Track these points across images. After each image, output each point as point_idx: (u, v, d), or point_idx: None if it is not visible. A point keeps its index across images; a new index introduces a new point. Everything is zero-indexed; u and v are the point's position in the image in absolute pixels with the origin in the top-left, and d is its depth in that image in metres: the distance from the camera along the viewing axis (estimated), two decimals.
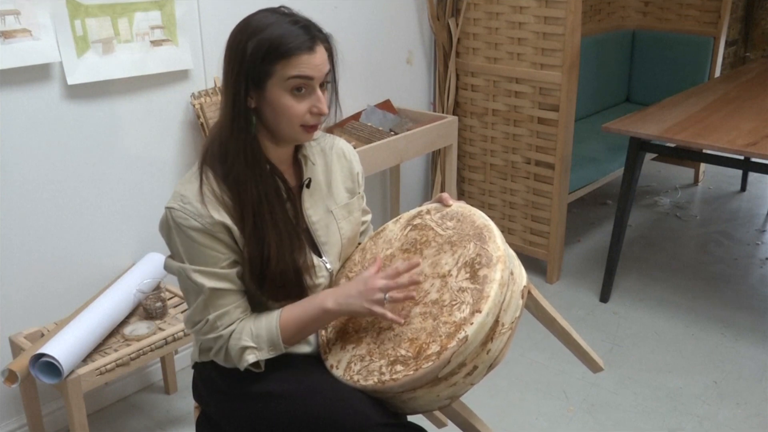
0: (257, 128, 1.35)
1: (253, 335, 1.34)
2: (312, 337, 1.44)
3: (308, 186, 1.44)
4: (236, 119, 1.31)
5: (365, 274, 1.37)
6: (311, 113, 1.33)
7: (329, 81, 1.35)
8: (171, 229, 1.32)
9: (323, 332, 1.43)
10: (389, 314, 1.30)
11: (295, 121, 1.33)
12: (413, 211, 1.50)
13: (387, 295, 1.30)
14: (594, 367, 1.66)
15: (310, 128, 1.35)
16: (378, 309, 1.30)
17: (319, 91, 1.32)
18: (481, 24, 3.02)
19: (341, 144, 1.55)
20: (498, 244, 1.32)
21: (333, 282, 1.49)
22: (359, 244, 1.59)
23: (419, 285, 1.33)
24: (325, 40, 1.33)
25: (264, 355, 1.34)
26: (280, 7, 1.34)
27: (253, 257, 1.33)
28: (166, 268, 1.38)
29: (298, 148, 1.45)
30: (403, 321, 1.30)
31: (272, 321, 1.35)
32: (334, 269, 1.47)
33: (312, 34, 1.29)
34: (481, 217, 1.39)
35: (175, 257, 1.35)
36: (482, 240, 1.33)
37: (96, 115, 2.13)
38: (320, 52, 1.30)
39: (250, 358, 1.33)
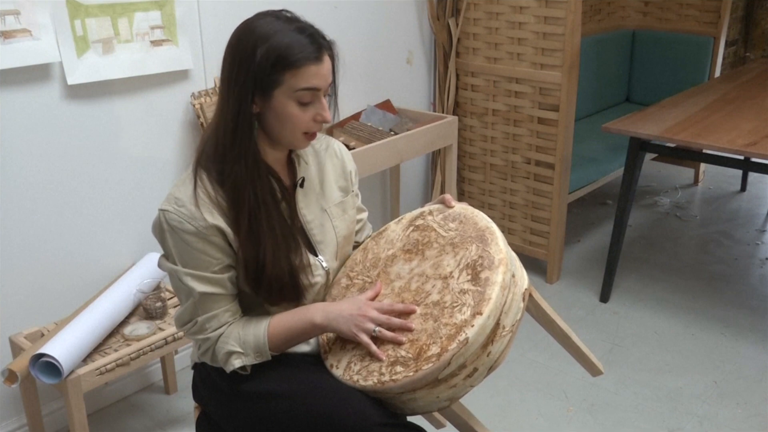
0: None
1: (240, 341, 1.34)
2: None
3: (302, 185, 1.44)
4: (240, 126, 1.31)
5: (360, 298, 1.37)
6: (315, 121, 1.34)
7: (331, 92, 1.36)
8: (164, 231, 1.33)
9: None
10: (373, 346, 1.29)
11: (298, 129, 1.33)
12: (415, 212, 1.50)
13: (376, 328, 1.30)
14: (593, 371, 1.66)
15: (311, 135, 1.36)
16: (364, 338, 1.30)
17: (323, 100, 1.33)
18: (481, 24, 3.02)
19: (332, 143, 1.56)
20: (500, 246, 1.32)
21: (332, 281, 1.49)
22: (357, 242, 1.60)
23: (410, 330, 1.29)
24: (329, 47, 1.33)
25: (250, 360, 1.35)
26: (282, 11, 1.33)
27: (249, 261, 1.33)
28: (160, 266, 1.39)
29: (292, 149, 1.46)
30: (384, 358, 1.29)
31: (260, 329, 1.35)
32: (330, 267, 1.47)
33: (318, 43, 1.29)
34: (483, 219, 1.39)
35: (168, 258, 1.36)
36: (484, 242, 1.33)
37: (96, 115, 2.13)
38: (326, 62, 1.31)
39: (236, 362, 1.34)
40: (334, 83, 1.37)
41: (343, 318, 1.33)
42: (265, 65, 1.27)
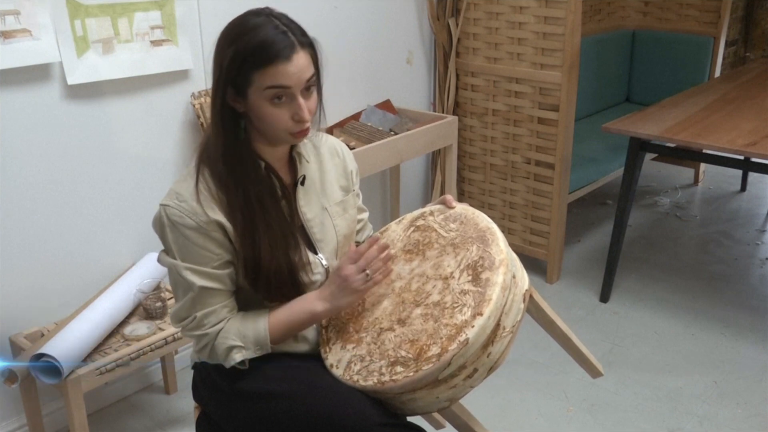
0: (249, 129, 1.36)
1: (241, 335, 1.35)
2: (311, 336, 1.46)
3: (302, 183, 1.44)
4: (224, 125, 1.33)
5: (335, 267, 1.41)
6: (293, 120, 1.32)
7: (313, 85, 1.33)
8: (165, 226, 1.33)
9: (323, 331, 1.44)
10: (377, 278, 1.36)
11: (278, 127, 1.33)
12: (416, 213, 1.50)
13: (368, 272, 1.35)
14: (593, 373, 1.66)
15: (297, 134, 1.35)
16: (364, 287, 1.36)
17: (299, 99, 1.30)
18: (481, 24, 3.02)
19: (333, 142, 1.56)
20: (501, 247, 1.32)
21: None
22: (358, 243, 1.60)
23: (386, 248, 1.38)
24: (307, 44, 1.30)
25: (250, 354, 1.36)
26: (265, 8, 1.33)
27: (247, 258, 1.34)
28: (160, 261, 1.40)
29: (292, 146, 1.46)
30: (392, 267, 1.39)
31: (260, 323, 1.36)
32: (330, 266, 1.47)
33: (290, 41, 1.27)
34: (484, 219, 1.39)
35: (168, 253, 1.36)
36: (485, 243, 1.34)
37: (96, 115, 2.13)
38: (299, 58, 1.28)
39: (237, 357, 1.35)
40: (318, 82, 1.35)
41: (337, 294, 1.36)
42: (233, 65, 1.28)
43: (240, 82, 1.29)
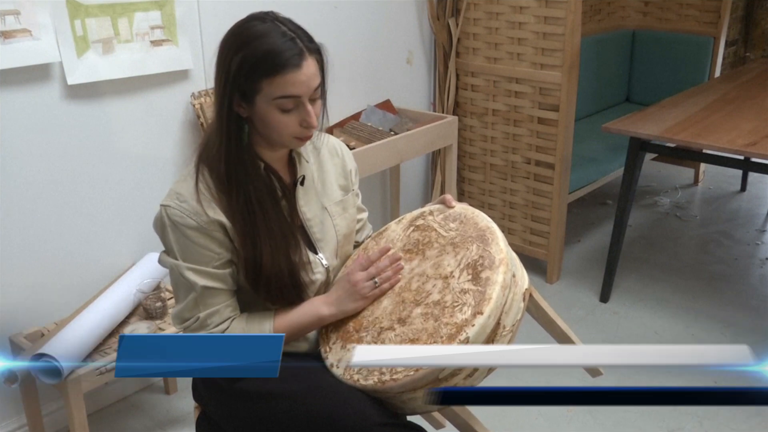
0: (251, 132, 1.36)
1: None
2: (311, 335, 1.46)
3: (302, 183, 1.45)
4: (226, 128, 1.33)
5: (346, 272, 1.43)
6: (301, 126, 1.33)
7: (320, 95, 1.34)
8: (166, 226, 1.33)
9: (323, 331, 1.44)
10: (385, 286, 1.39)
11: (285, 133, 1.33)
12: (416, 212, 1.50)
13: (377, 280, 1.38)
14: (593, 372, 1.66)
15: (302, 138, 1.36)
16: (371, 294, 1.38)
17: (308, 106, 1.31)
18: (481, 24, 3.02)
19: (333, 141, 1.56)
20: (501, 246, 1.32)
21: (332, 279, 1.50)
22: (358, 242, 1.60)
23: (398, 260, 1.41)
24: (315, 51, 1.31)
25: None
26: (269, 13, 1.32)
27: (247, 258, 1.34)
28: (161, 262, 1.41)
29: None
30: (400, 276, 1.39)
31: (265, 325, 1.37)
32: (330, 265, 1.48)
33: (299, 48, 1.27)
34: (484, 219, 1.39)
35: (170, 254, 1.36)
36: (485, 242, 1.34)
37: (96, 115, 2.13)
38: (308, 66, 1.28)
39: None
40: (323, 86, 1.35)
41: (345, 299, 1.38)
42: (240, 74, 1.27)
43: (247, 89, 1.29)
